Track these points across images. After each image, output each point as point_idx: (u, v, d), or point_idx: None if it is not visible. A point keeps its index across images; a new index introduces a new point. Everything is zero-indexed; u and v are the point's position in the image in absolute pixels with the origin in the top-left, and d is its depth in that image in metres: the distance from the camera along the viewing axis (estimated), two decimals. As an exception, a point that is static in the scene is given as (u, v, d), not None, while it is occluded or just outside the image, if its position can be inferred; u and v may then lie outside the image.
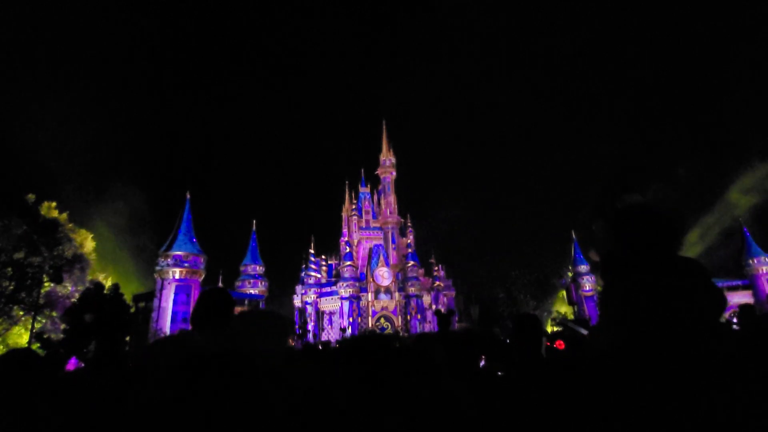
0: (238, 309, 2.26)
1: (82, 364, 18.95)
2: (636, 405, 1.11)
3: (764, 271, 52.95)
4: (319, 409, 1.42)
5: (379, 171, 61.26)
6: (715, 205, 63.46)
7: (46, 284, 32.47)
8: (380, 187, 60.80)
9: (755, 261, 53.50)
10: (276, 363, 1.57)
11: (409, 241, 56.86)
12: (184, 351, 1.10)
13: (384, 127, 63.26)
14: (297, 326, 44.16)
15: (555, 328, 42.90)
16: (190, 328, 2.31)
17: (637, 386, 1.13)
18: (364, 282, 52.72)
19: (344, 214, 59.95)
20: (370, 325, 49.65)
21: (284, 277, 63.15)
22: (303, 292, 54.34)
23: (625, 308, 1.26)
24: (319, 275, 55.74)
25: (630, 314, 1.24)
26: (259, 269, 54.79)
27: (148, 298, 43.99)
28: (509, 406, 1.69)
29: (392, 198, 59.58)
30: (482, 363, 3.29)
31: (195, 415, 0.97)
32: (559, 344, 4.43)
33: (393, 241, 57.80)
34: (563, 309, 57.26)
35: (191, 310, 2.36)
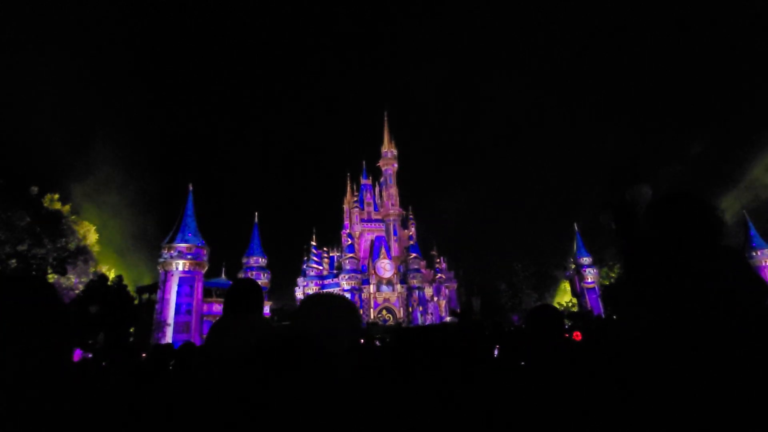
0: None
1: (89, 355, 19.09)
2: (676, 389, 1.13)
3: (767, 263, 52.88)
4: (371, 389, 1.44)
5: (380, 163, 61.12)
6: (722, 193, 63.38)
7: (50, 276, 32.62)
8: (382, 179, 60.69)
9: (759, 253, 53.43)
10: (346, 345, 1.59)
11: (410, 233, 56.88)
12: (259, 333, 1.11)
13: (386, 119, 63.05)
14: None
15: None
16: (222, 315, 2.38)
17: (678, 372, 1.14)
18: (366, 274, 52.85)
19: (346, 206, 59.90)
20: (372, 317, 49.83)
21: (286, 270, 63.26)
22: (305, 284, 54.49)
23: (662, 296, 1.27)
24: (321, 267, 55.85)
25: (667, 302, 1.26)
26: (262, 261, 54.87)
27: (152, 290, 44.17)
28: (536, 396, 1.70)
29: (394, 190, 59.49)
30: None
31: (273, 393, 0.98)
32: (577, 335, 4.42)
33: (395, 233, 57.82)
34: (564, 300, 57.41)
35: (226, 299, 2.43)
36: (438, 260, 57.28)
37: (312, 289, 53.43)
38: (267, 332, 1.14)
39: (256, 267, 54.37)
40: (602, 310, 46.69)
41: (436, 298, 54.17)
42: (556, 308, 2.63)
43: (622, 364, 1.32)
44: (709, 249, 1.33)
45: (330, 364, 1.08)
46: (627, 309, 1.51)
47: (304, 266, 56.51)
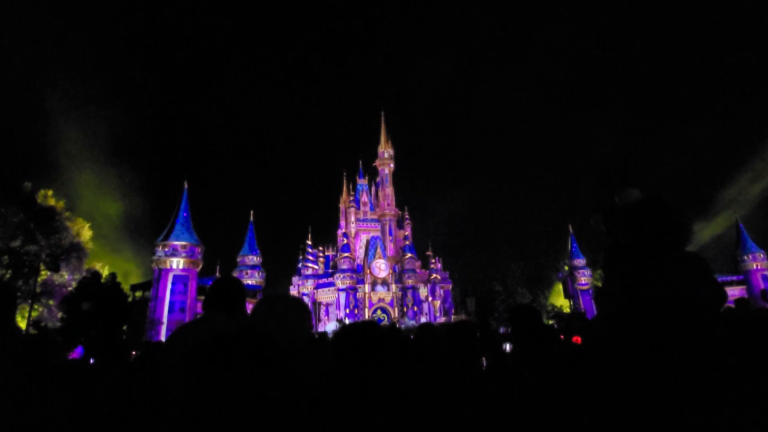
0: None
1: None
2: (639, 389, 1.16)
3: (758, 267, 53.38)
4: (330, 389, 1.46)
5: (377, 163, 61.11)
6: (716, 197, 63.91)
7: (43, 273, 32.41)
8: (378, 179, 60.68)
9: (750, 257, 53.92)
10: (298, 343, 1.64)
11: (406, 233, 56.94)
12: (214, 330, 1.14)
13: (382, 118, 63.03)
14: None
15: (550, 321, 43.11)
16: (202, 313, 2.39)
17: (640, 372, 1.17)
18: (361, 274, 52.83)
19: (342, 206, 59.90)
20: (366, 316, 49.83)
21: (281, 268, 63.08)
22: (300, 283, 54.40)
23: (629, 297, 1.31)
24: (316, 267, 55.79)
25: (634, 303, 1.30)
26: (257, 260, 54.81)
27: (146, 287, 44.02)
28: (507, 395, 1.73)
29: (390, 190, 59.51)
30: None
31: (227, 389, 0.99)
32: (576, 339, 4.42)
33: (390, 233, 57.84)
34: (559, 302, 57.59)
35: (205, 297, 2.44)
36: (433, 260, 57.36)
37: (307, 289, 53.36)
38: (220, 329, 1.16)
39: (251, 265, 54.31)
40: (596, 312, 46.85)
41: (430, 299, 54.23)
42: (532, 307, 2.64)
43: (592, 361, 1.36)
44: (674, 254, 1.37)
45: (283, 360, 1.10)
46: (600, 308, 1.56)
47: (300, 265, 56.42)
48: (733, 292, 47.78)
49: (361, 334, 1.53)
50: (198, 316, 2.48)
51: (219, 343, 1.06)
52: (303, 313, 1.81)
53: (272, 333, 1.16)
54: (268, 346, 1.07)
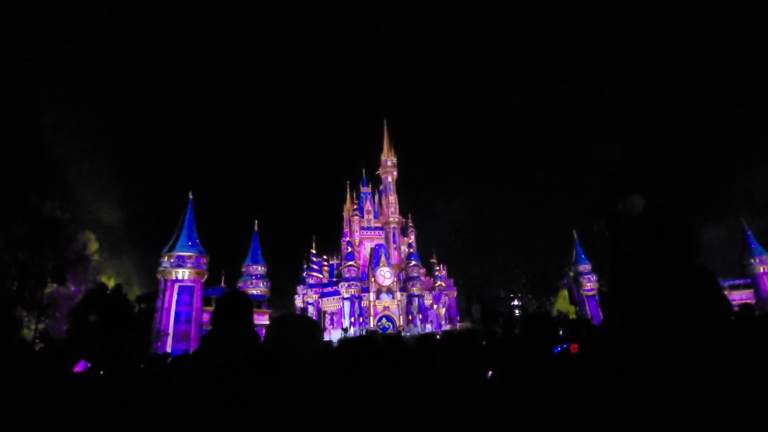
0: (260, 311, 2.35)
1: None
2: (640, 398, 1.18)
3: (765, 270, 52.91)
4: (337, 402, 1.49)
5: (380, 171, 61.26)
6: (720, 200, 63.47)
7: (49, 284, 32.57)
8: (381, 186, 60.78)
9: (756, 260, 53.46)
10: (307, 361, 1.69)
11: (410, 240, 56.86)
12: (230, 350, 1.21)
13: (385, 126, 63.27)
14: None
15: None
16: (210, 328, 2.43)
17: (641, 381, 1.20)
18: (365, 282, 52.72)
19: (346, 214, 59.97)
20: (372, 325, 49.65)
21: (286, 278, 63.07)
22: (304, 292, 54.34)
23: (634, 309, 1.33)
24: (320, 275, 55.74)
25: (638, 315, 1.32)
26: (261, 269, 54.82)
27: (151, 298, 44.02)
28: (513, 406, 1.75)
29: (393, 198, 59.58)
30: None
31: (238, 406, 1.04)
32: (573, 348, 4.41)
33: (394, 241, 57.80)
34: (565, 308, 57.20)
35: (213, 312, 2.47)
36: (438, 268, 57.21)
37: (312, 298, 53.29)
38: (235, 350, 1.23)
39: (256, 275, 54.32)
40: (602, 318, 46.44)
41: (435, 306, 54.02)
42: (546, 315, 2.61)
43: (596, 370, 1.39)
44: (681, 267, 1.39)
45: (293, 376, 1.14)
46: (606, 317, 1.60)
47: (304, 274, 56.41)
48: (740, 296, 47.37)
49: (359, 349, 1.58)
50: (208, 332, 2.51)
51: (232, 365, 1.11)
52: (313, 332, 1.86)
53: (282, 353, 1.21)
54: (277, 366, 1.12)
